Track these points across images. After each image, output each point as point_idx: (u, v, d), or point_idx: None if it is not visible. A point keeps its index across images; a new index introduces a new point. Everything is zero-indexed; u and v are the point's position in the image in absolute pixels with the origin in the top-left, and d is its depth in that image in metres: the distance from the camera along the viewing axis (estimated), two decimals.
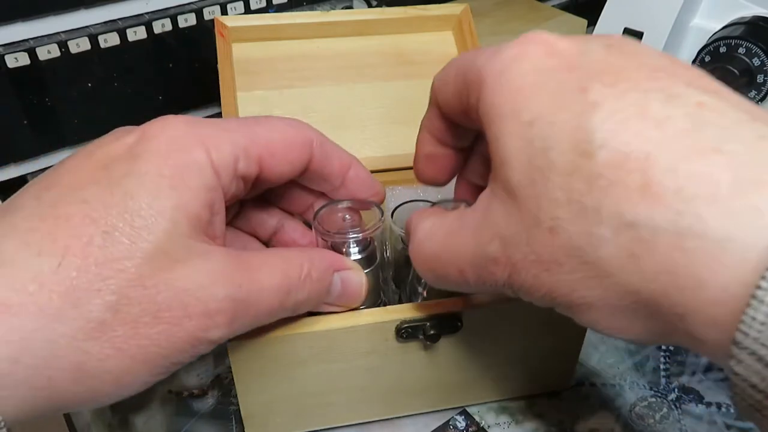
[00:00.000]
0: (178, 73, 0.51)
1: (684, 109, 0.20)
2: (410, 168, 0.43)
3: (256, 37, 0.44)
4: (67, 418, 0.35)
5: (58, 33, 0.45)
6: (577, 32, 0.63)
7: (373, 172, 0.34)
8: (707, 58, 0.47)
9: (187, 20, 0.49)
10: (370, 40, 0.46)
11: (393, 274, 0.37)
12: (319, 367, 0.32)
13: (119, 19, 0.47)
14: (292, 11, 0.54)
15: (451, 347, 0.33)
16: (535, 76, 0.22)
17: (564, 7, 0.69)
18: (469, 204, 0.30)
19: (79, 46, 0.45)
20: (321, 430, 0.36)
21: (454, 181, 0.33)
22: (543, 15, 0.65)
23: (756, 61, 0.45)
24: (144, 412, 0.37)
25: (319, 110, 0.44)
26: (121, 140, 0.25)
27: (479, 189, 0.31)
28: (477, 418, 0.36)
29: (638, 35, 0.51)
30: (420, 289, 0.34)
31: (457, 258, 0.25)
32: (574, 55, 0.22)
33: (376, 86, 0.45)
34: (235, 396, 0.35)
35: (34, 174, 0.48)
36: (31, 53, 0.44)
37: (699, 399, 0.38)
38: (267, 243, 0.34)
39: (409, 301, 0.35)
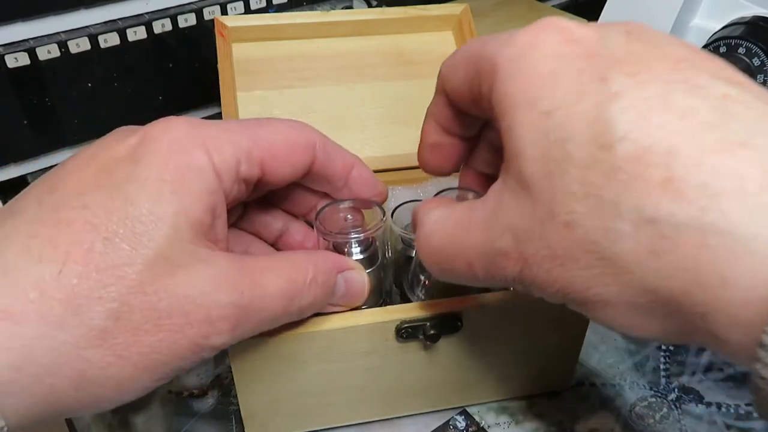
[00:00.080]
0: (178, 73, 0.51)
1: (709, 101, 0.19)
2: (410, 168, 0.43)
3: (256, 37, 0.44)
4: (68, 418, 0.35)
5: (58, 33, 0.45)
6: None
7: (373, 172, 0.34)
8: None
9: (187, 20, 0.49)
10: (370, 40, 0.46)
11: (393, 274, 0.37)
12: (319, 367, 0.32)
13: (119, 19, 0.47)
14: (292, 11, 0.54)
15: (451, 347, 0.33)
16: (552, 63, 0.21)
17: (564, 7, 0.70)
18: (478, 194, 0.30)
19: (79, 46, 0.45)
20: (321, 430, 0.36)
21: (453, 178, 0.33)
22: (543, 15, 0.64)
23: (756, 61, 0.45)
24: (144, 412, 0.37)
25: (319, 110, 0.44)
26: (122, 142, 0.25)
27: (486, 177, 0.31)
28: (477, 418, 0.36)
29: None
30: (422, 278, 0.34)
31: (465, 251, 0.25)
32: (592, 43, 0.22)
33: (376, 86, 0.45)
34: (235, 396, 0.35)
35: (34, 174, 0.48)
36: (31, 53, 0.44)
37: (699, 399, 0.38)
38: (273, 246, 0.34)
39: (411, 291, 0.35)
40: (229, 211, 0.27)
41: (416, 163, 0.44)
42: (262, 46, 0.44)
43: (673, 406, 0.37)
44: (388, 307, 0.32)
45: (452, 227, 0.26)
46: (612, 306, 0.21)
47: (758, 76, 0.45)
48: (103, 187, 0.23)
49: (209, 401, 0.37)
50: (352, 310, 0.32)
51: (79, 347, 0.22)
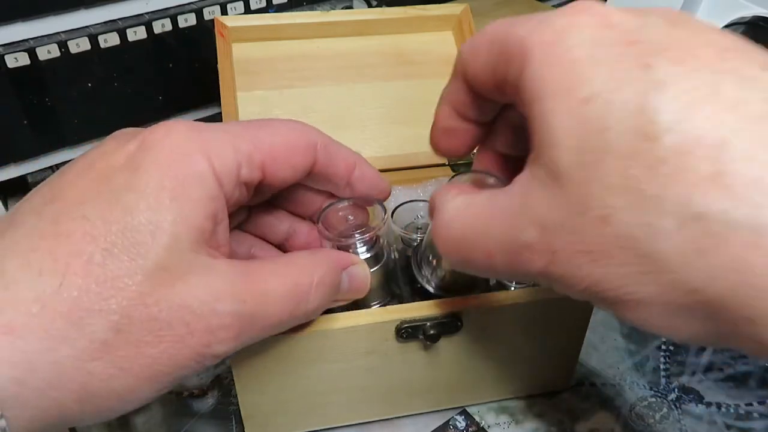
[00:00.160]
0: (178, 73, 0.51)
1: (760, 93, 0.18)
2: (410, 168, 0.43)
3: (256, 37, 0.44)
4: None
5: (58, 33, 0.45)
6: None
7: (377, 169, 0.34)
8: None
9: (187, 20, 0.49)
10: (370, 40, 0.46)
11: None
12: (319, 367, 0.32)
13: (119, 19, 0.47)
14: (292, 11, 0.54)
15: (451, 347, 0.33)
16: (590, 48, 0.20)
17: None
18: (497, 178, 0.29)
19: (79, 46, 0.45)
20: (321, 430, 0.36)
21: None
22: None
23: None
24: (144, 412, 0.37)
25: (319, 110, 0.44)
26: (121, 149, 0.24)
27: (504, 159, 0.30)
28: (477, 418, 0.36)
29: None
30: (431, 258, 0.33)
31: (486, 242, 0.23)
32: (633, 28, 0.20)
33: (376, 86, 0.45)
34: (235, 396, 0.35)
35: (34, 174, 0.48)
36: (31, 53, 0.44)
37: (699, 399, 0.38)
38: (280, 247, 0.34)
39: (419, 272, 0.34)
40: (232, 215, 0.27)
41: (416, 163, 0.44)
42: (262, 46, 0.44)
43: (673, 406, 0.37)
44: (388, 307, 0.32)
45: (474, 216, 0.24)
46: (647, 306, 0.20)
47: None
48: (102, 196, 0.23)
49: (209, 401, 0.37)
50: (355, 307, 0.32)
51: (81, 360, 0.22)
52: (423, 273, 0.34)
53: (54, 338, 0.21)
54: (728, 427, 0.36)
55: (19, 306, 0.21)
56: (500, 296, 0.33)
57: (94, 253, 0.22)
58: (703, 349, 0.41)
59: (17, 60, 0.44)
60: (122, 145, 0.24)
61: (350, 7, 0.59)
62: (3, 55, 0.43)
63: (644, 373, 0.39)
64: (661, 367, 0.40)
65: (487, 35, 0.24)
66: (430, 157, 0.45)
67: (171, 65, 0.50)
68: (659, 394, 0.38)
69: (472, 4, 0.47)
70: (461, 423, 0.36)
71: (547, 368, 0.36)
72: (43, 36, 0.44)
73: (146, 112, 0.50)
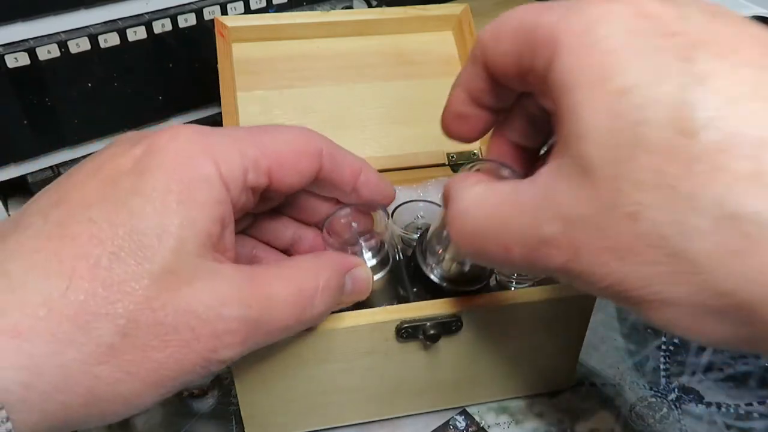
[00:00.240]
0: (178, 73, 0.51)
1: None
2: (410, 168, 0.43)
3: (256, 37, 0.44)
4: None
5: (58, 33, 0.45)
6: None
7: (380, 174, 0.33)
8: None
9: (187, 20, 0.49)
10: (370, 40, 0.46)
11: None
12: (319, 367, 0.32)
13: (119, 19, 0.47)
14: (292, 11, 0.54)
15: (451, 347, 0.33)
16: (625, 38, 0.19)
17: None
18: (513, 170, 0.28)
19: (79, 46, 0.45)
20: (321, 430, 0.36)
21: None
22: None
23: None
24: (144, 412, 0.37)
25: (319, 110, 0.44)
26: (128, 153, 0.24)
27: (519, 148, 0.29)
28: (477, 418, 0.36)
29: None
30: (437, 247, 0.33)
31: (504, 234, 0.22)
32: (671, 19, 0.19)
33: (376, 86, 0.45)
34: (235, 396, 0.34)
35: (34, 174, 0.48)
36: (31, 53, 0.44)
37: (699, 399, 0.38)
38: (284, 253, 0.34)
39: (423, 261, 0.34)
40: (237, 221, 0.27)
41: (416, 163, 0.44)
42: (262, 46, 0.44)
43: (673, 406, 0.37)
44: (388, 307, 0.32)
45: (492, 207, 0.23)
46: (674, 307, 0.19)
47: None
48: (109, 200, 0.23)
49: (209, 401, 0.37)
50: (357, 307, 0.32)
51: (87, 364, 0.22)
52: (428, 262, 0.33)
53: (61, 342, 0.21)
54: (728, 427, 0.36)
55: (26, 309, 0.21)
56: (500, 296, 0.33)
57: (101, 257, 0.22)
58: (703, 349, 0.41)
59: (17, 60, 0.43)
60: (129, 149, 0.24)
61: (350, 7, 0.59)
62: (3, 55, 0.43)
63: (644, 373, 0.39)
64: (661, 367, 0.40)
65: (511, 22, 0.23)
66: (430, 157, 0.45)
67: (171, 65, 0.50)
68: (659, 394, 0.38)
69: (472, 4, 0.47)
70: (461, 423, 0.36)
71: (547, 368, 0.36)
72: (43, 36, 0.44)
73: (146, 112, 0.50)
